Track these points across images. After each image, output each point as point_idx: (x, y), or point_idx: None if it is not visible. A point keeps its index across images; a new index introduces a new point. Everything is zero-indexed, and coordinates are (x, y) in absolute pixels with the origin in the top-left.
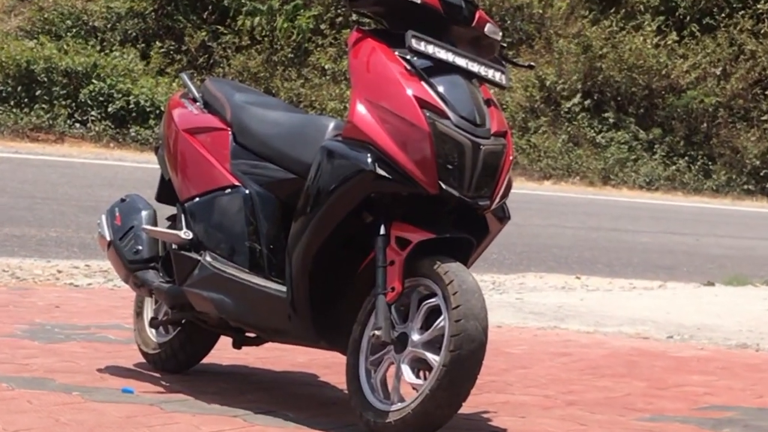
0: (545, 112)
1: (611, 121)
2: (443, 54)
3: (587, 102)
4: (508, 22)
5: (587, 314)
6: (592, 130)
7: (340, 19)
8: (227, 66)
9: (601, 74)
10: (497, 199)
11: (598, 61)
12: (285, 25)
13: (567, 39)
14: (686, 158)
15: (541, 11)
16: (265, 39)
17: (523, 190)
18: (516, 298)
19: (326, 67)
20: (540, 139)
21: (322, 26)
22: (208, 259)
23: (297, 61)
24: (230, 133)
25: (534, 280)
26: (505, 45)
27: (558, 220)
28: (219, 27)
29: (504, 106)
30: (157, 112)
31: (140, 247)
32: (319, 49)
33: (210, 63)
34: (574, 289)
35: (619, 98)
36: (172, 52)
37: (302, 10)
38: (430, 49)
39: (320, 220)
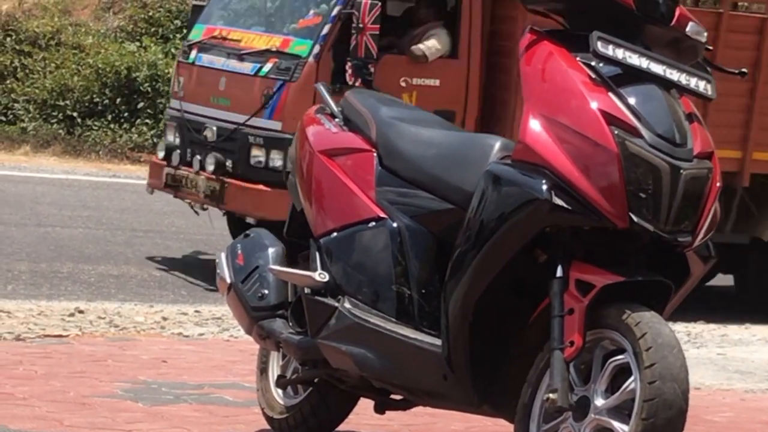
0: None
1: None
2: (635, 59)
3: None
4: None
5: None
6: None
7: None
8: None
9: None
10: (701, 235)
11: None
12: None
13: None
14: None
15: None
16: None
17: None
18: (717, 354)
19: None
20: None
21: None
22: (348, 305)
23: None
24: (375, 155)
25: (738, 332)
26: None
27: None
28: None
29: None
30: None
31: (266, 291)
32: None
33: None
34: None
35: None
36: None
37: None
38: (620, 53)
39: (484, 259)
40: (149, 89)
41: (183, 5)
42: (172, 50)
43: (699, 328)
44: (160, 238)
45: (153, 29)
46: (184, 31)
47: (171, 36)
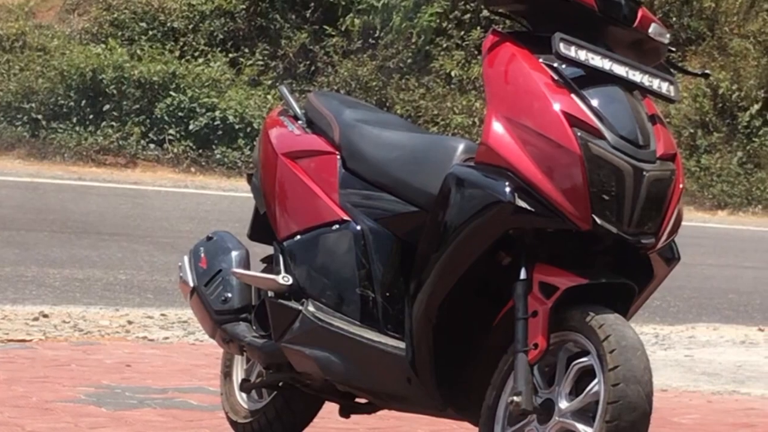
0: (718, 126)
1: None
2: (598, 61)
3: None
4: (674, 18)
5: None
6: None
7: (468, 16)
8: (332, 74)
9: None
10: (664, 237)
11: None
12: (403, 25)
13: (745, 38)
14: None
15: (713, 5)
16: (379, 41)
17: (691, 221)
18: (685, 356)
19: (452, 74)
20: (711, 160)
21: (447, 25)
22: (311, 309)
23: (416, 67)
24: (339, 157)
25: (706, 333)
26: (674, 50)
27: (735, 258)
28: (325, 27)
29: (667, 120)
30: (248, 130)
31: (229, 295)
32: (443, 52)
33: (311, 71)
34: (756, 344)
35: None
36: (266, 58)
37: (424, 7)
38: (582, 54)
39: (447, 262)
40: (114, 91)
41: (148, 7)
42: (137, 52)
43: (667, 329)
44: (126, 241)
45: (118, 31)
46: (150, 33)
47: (136, 38)
